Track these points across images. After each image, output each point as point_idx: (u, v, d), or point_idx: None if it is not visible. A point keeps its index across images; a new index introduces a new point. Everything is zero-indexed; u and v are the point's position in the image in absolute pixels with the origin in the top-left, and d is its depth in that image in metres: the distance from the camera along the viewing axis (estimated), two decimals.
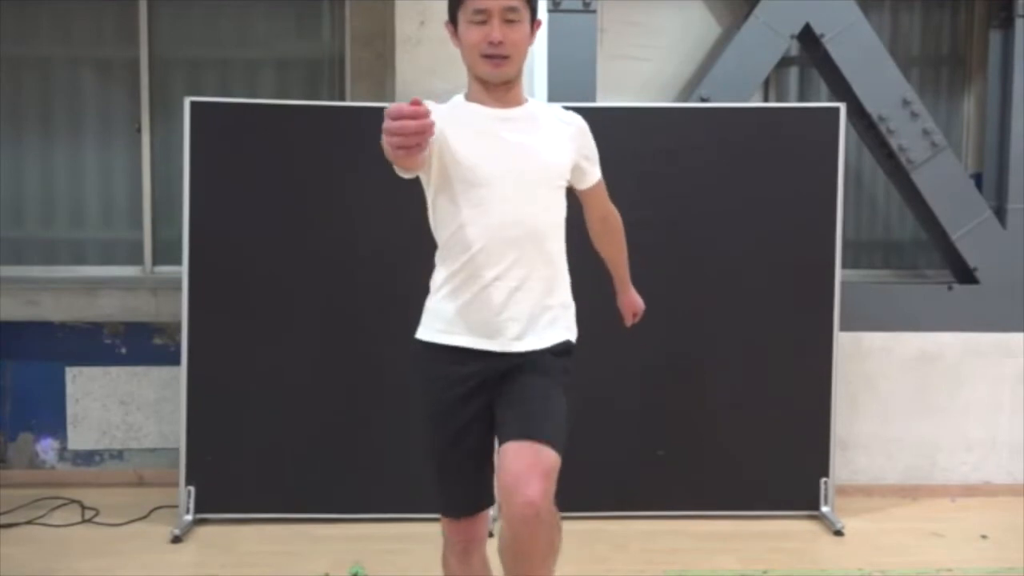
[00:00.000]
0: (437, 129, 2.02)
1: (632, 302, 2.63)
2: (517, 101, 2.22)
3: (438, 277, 2.24)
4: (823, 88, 4.49)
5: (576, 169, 2.30)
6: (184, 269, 3.71)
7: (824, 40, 4.09)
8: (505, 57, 2.13)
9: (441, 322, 2.21)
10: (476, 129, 2.17)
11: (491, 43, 2.10)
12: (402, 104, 1.82)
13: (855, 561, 3.49)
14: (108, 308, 4.25)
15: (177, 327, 3.85)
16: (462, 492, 2.26)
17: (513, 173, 2.15)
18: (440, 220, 2.20)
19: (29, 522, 3.78)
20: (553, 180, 2.22)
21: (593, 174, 2.36)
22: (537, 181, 2.18)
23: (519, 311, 2.16)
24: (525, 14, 2.14)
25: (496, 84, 2.17)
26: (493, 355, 2.17)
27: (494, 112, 2.19)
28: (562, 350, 2.23)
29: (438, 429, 2.23)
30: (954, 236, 4.21)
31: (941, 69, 4.71)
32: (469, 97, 2.24)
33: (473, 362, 2.18)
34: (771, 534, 3.73)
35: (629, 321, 2.64)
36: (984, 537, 3.76)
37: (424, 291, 2.26)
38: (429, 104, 2.15)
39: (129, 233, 4.50)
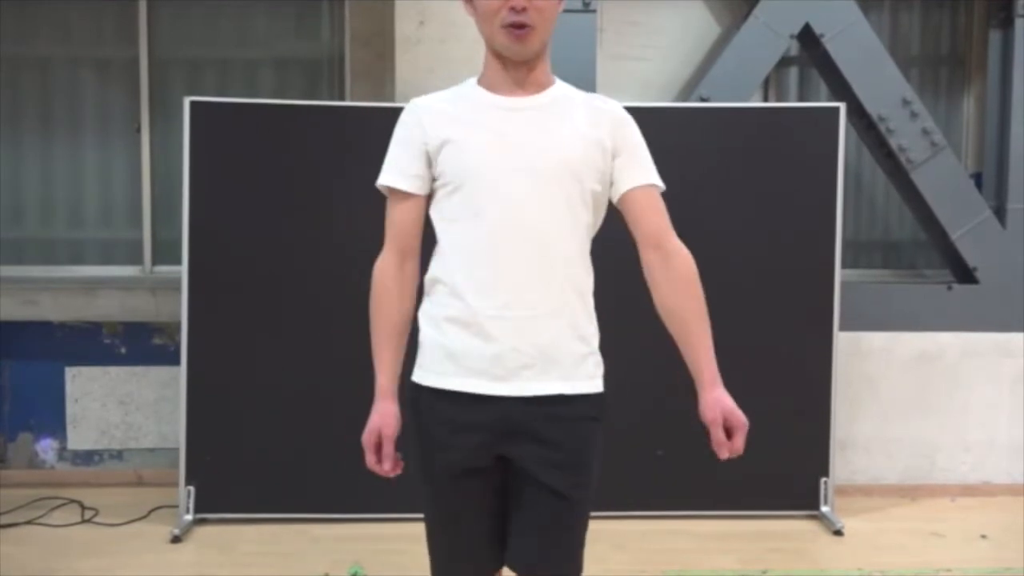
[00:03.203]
0: (434, 135, 1.79)
1: (724, 409, 1.91)
2: (539, 84, 1.85)
3: (433, 296, 1.85)
4: (823, 88, 4.49)
5: (607, 171, 1.87)
6: (183, 269, 3.71)
7: (824, 40, 4.09)
8: (529, 27, 1.76)
9: (437, 360, 1.82)
10: (477, 124, 1.81)
11: (513, 9, 1.75)
12: (371, 449, 1.84)
13: (855, 561, 3.49)
14: (107, 308, 4.24)
15: (176, 327, 3.85)
16: (466, 558, 1.90)
17: (520, 176, 1.78)
18: (438, 225, 1.86)
19: (28, 522, 3.77)
20: (575, 184, 1.81)
21: (631, 176, 1.88)
22: (553, 187, 1.79)
23: (532, 346, 1.77)
24: None
25: (517, 63, 1.82)
26: (506, 400, 1.78)
27: (504, 101, 1.83)
28: (595, 414, 1.85)
29: (437, 488, 1.86)
30: (954, 236, 4.21)
31: (941, 69, 4.71)
32: (481, 80, 1.87)
33: (481, 409, 1.79)
34: (770, 534, 3.73)
35: (724, 454, 1.87)
36: (984, 537, 3.76)
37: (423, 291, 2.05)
38: (426, 101, 1.87)
39: (128, 233, 4.50)
